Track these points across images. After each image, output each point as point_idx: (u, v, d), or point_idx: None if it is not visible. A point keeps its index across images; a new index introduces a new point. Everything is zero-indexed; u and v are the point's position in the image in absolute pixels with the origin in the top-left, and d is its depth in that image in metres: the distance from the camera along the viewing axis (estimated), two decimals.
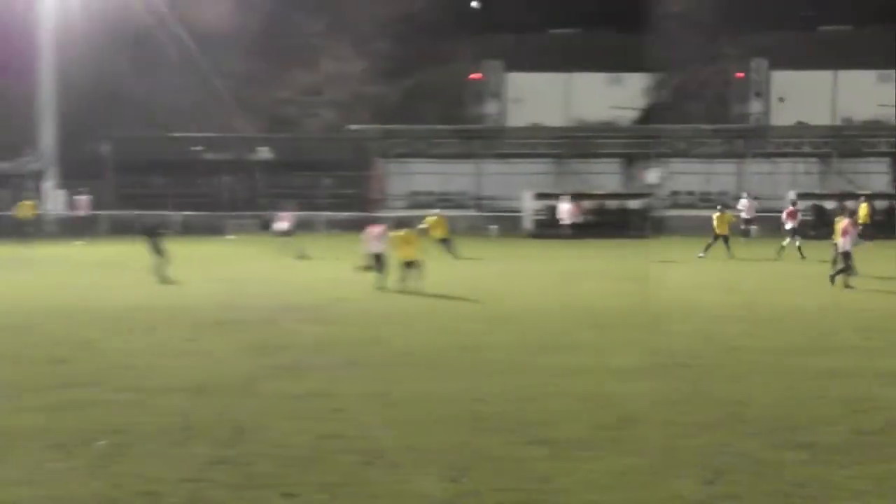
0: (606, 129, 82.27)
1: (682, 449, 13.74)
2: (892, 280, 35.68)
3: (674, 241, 57.45)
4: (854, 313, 27.82)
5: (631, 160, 77.64)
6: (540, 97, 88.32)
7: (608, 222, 64.84)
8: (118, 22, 73.62)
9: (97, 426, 14.82)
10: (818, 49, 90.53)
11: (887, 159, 78.17)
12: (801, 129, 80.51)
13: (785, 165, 76.44)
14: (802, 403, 16.50)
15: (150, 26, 73.66)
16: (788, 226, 47.78)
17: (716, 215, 47.97)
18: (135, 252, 41.70)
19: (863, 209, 54.59)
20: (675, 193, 76.29)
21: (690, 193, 76.52)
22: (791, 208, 48.97)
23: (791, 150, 77.93)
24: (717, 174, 76.45)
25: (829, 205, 63.73)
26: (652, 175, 75.80)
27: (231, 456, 13.42)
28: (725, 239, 46.93)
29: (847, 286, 33.32)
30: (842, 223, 34.67)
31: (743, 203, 58.37)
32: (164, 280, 35.64)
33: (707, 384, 18.02)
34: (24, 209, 60.42)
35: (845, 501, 11.89)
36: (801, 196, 63.26)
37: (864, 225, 50.20)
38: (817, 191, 69.43)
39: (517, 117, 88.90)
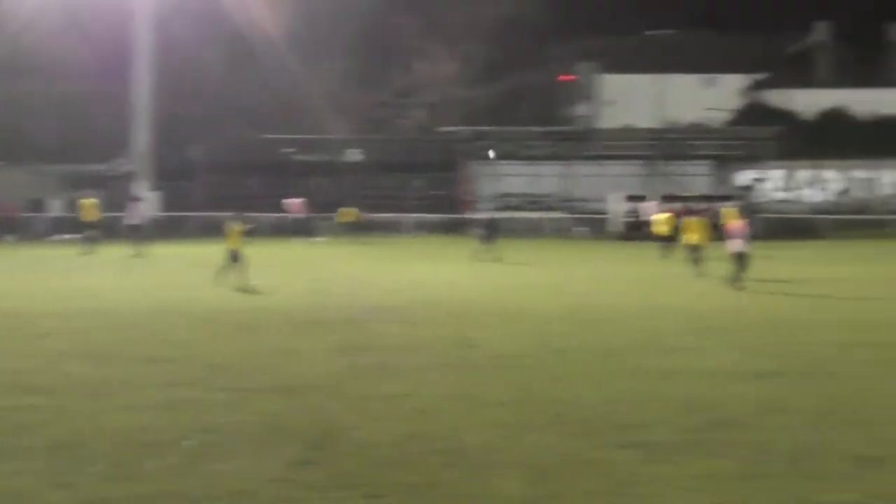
0: (698, 131, 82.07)
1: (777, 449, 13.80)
2: (724, 280, 36.03)
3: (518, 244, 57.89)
4: (686, 312, 28.59)
5: (723, 162, 77.26)
6: (632, 99, 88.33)
7: None
8: (213, 25, 74.61)
9: (191, 425, 15.00)
10: (643, 53, 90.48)
11: (710, 162, 77.98)
12: (628, 131, 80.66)
13: (612, 168, 76.09)
14: (633, 403, 16.65)
15: (243, 29, 74.48)
16: None
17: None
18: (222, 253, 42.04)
19: (731, 212, 54.66)
20: (504, 196, 75.78)
21: (518, 196, 76.12)
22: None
23: (618, 152, 77.50)
24: (545, 176, 75.91)
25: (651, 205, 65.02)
26: (744, 177, 75.36)
27: (318, 456, 13.59)
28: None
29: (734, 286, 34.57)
30: (735, 223, 36.45)
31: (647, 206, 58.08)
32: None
33: (534, 384, 18.15)
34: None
35: (673, 499, 11.99)
36: (630, 199, 63.85)
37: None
38: (644, 193, 69.16)
39: (609, 119, 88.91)
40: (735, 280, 34.91)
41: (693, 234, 39.73)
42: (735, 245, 35.41)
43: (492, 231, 48.66)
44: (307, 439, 14.34)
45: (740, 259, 35.14)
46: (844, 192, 79.59)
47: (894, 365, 20.49)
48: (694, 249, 39.54)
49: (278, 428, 14.96)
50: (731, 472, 12.90)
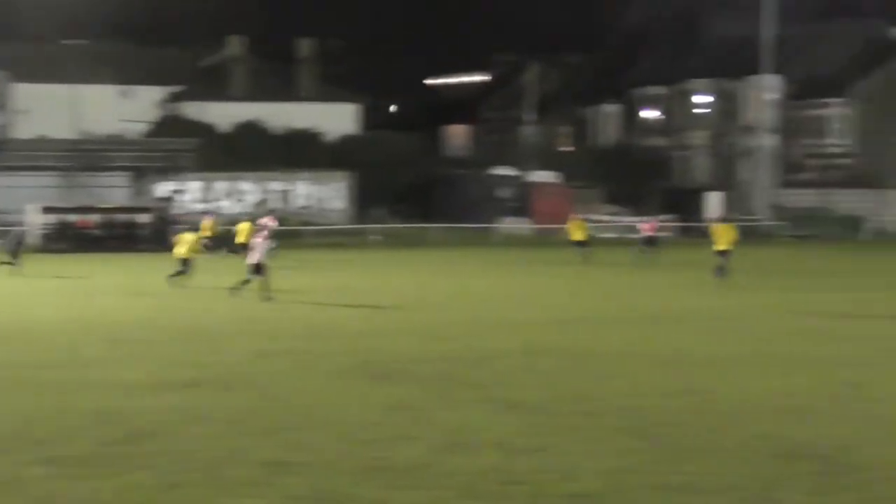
0: (115, 142, 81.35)
1: None
2: (139, 291, 37.61)
3: None
4: (101, 325, 28.44)
5: (141, 173, 76.91)
6: (47, 108, 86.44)
7: (117, 236, 64.14)
8: None
9: None
10: (58, 62, 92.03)
11: (128, 173, 77.66)
12: (43, 142, 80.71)
13: (27, 179, 73.05)
14: (47, 417, 16.62)
15: None
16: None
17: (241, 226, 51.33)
18: None
19: (210, 223, 56.47)
20: None
21: None
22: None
23: (33, 163, 75.89)
24: None
25: (73, 218, 65.96)
26: (163, 188, 75.61)
27: None
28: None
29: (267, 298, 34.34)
30: (256, 238, 37.22)
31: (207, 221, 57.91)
32: None
33: None
34: None
35: None
36: (47, 210, 64.55)
37: (213, 238, 54.40)
38: (62, 205, 69.55)
39: (23, 129, 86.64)
40: (240, 287, 35.08)
41: (182, 247, 39.66)
42: (254, 257, 35.60)
43: (17, 243, 46.58)
44: None
45: (258, 270, 35.34)
46: (261, 202, 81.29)
47: (308, 370, 21.28)
48: (184, 262, 39.38)
49: None
50: (149, 484, 13.01)
